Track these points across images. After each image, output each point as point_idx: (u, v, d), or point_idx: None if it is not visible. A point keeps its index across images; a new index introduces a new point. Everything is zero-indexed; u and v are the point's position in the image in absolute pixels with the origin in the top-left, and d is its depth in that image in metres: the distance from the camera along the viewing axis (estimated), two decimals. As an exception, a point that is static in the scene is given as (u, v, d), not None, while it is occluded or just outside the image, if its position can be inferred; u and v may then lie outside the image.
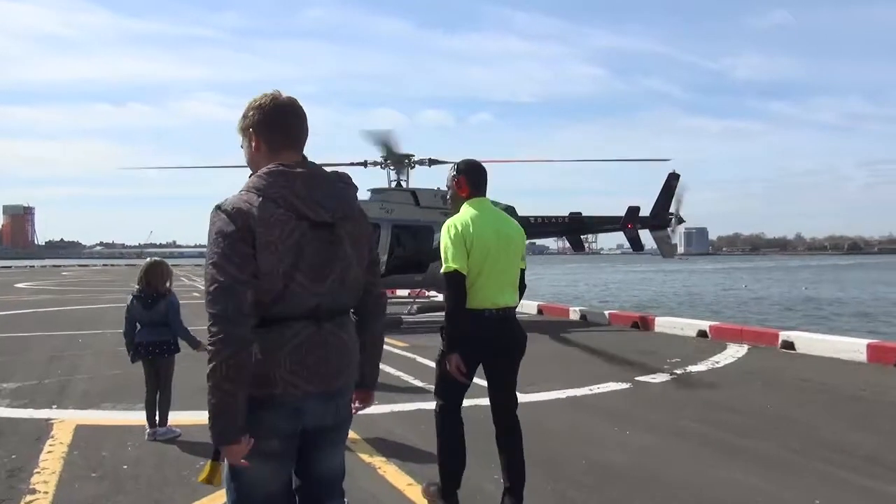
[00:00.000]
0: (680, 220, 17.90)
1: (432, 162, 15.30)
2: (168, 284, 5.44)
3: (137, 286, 5.38)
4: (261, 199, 2.00)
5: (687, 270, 57.07)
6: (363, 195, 14.73)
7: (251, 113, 2.16)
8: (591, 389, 7.35)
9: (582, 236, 18.37)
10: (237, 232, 1.96)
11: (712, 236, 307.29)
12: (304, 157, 2.18)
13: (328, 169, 2.23)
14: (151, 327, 5.31)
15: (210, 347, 1.93)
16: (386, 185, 15.00)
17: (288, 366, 2.04)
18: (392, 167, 14.90)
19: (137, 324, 5.33)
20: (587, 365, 9.20)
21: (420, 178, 15.26)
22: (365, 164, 15.00)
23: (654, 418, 6.09)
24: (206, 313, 1.96)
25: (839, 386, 7.51)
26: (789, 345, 10.53)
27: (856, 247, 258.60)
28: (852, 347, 9.62)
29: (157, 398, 5.38)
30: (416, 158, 14.99)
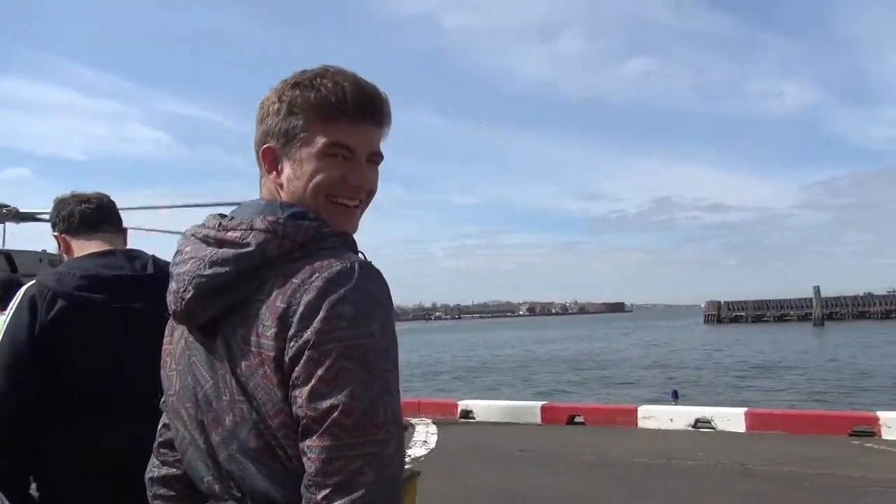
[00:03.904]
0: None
1: (21, 217, 11.56)
2: None
3: None
4: None
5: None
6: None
7: None
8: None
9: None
10: None
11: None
12: None
13: None
14: None
15: None
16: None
17: None
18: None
19: None
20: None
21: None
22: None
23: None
24: None
25: (568, 454, 7.47)
26: (467, 413, 10.39)
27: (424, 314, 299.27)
28: (528, 411, 9.92)
29: None
30: (7, 210, 11.14)
